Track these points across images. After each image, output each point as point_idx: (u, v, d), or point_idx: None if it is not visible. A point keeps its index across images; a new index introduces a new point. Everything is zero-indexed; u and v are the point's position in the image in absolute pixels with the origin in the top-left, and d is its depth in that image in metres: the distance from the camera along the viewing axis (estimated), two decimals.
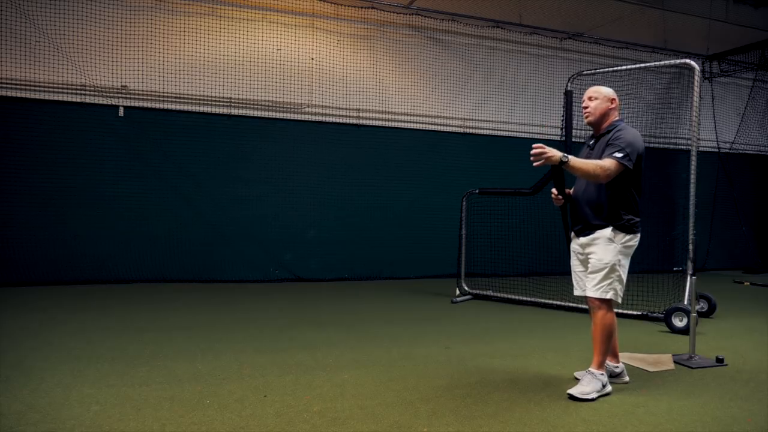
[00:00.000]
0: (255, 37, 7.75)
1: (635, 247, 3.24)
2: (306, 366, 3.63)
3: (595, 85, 3.42)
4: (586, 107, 3.33)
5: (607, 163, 3.05)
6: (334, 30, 8.15)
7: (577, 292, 3.45)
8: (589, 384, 3.13)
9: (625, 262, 3.21)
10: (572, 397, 3.07)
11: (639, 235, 3.24)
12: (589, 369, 3.20)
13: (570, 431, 2.64)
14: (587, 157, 3.27)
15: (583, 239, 3.29)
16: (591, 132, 3.43)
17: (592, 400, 3.06)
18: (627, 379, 3.42)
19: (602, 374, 3.18)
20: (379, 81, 8.36)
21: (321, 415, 2.76)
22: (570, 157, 3.02)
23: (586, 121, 3.37)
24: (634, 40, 9.72)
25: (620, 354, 3.63)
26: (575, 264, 3.42)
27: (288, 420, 2.70)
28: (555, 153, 2.97)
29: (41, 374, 3.31)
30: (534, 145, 2.96)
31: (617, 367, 3.41)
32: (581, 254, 3.34)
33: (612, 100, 3.32)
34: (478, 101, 8.90)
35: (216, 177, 7.58)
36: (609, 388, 3.20)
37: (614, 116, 3.32)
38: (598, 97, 3.31)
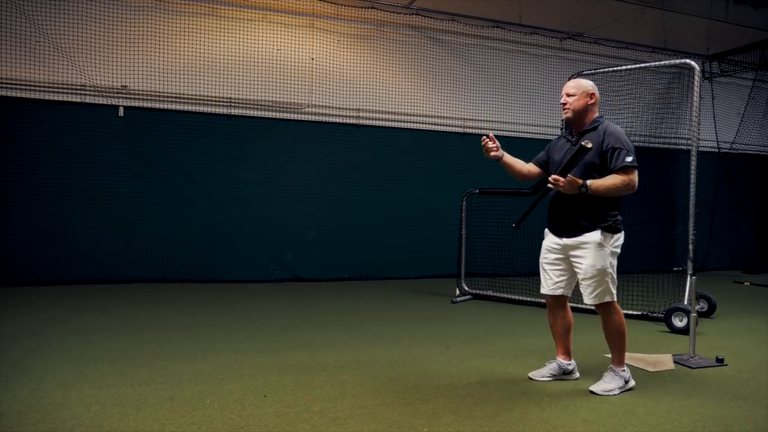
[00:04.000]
0: (255, 37, 7.75)
1: (621, 244, 3.21)
2: (306, 366, 3.63)
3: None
4: (564, 103, 3.24)
5: (628, 175, 3.02)
6: (334, 30, 8.15)
7: (544, 291, 3.37)
8: (611, 381, 3.19)
9: (615, 262, 3.18)
10: (594, 394, 3.13)
11: (623, 232, 3.20)
12: (610, 366, 3.25)
13: (570, 431, 2.64)
14: (570, 154, 3.13)
15: (567, 240, 3.20)
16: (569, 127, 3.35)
17: (614, 396, 3.12)
18: (577, 375, 3.43)
19: (623, 370, 3.22)
20: (379, 81, 8.36)
21: (321, 415, 2.76)
22: (589, 182, 3.00)
23: (564, 116, 3.29)
24: (634, 40, 9.72)
25: None
26: (549, 262, 3.32)
27: (288, 420, 2.70)
28: (571, 185, 2.97)
29: (41, 374, 3.31)
30: (551, 177, 3.04)
31: (569, 364, 3.42)
32: (560, 253, 3.26)
33: (591, 95, 3.22)
34: (478, 101, 8.90)
35: (216, 177, 7.58)
36: (632, 383, 3.24)
37: (595, 112, 3.24)
38: (576, 93, 3.21)
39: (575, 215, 3.15)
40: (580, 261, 3.16)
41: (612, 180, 3.03)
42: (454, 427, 2.66)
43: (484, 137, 3.24)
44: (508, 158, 3.34)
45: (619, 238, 3.17)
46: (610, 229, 3.12)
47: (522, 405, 2.97)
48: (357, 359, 3.83)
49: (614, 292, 3.17)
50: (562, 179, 3.01)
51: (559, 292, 3.33)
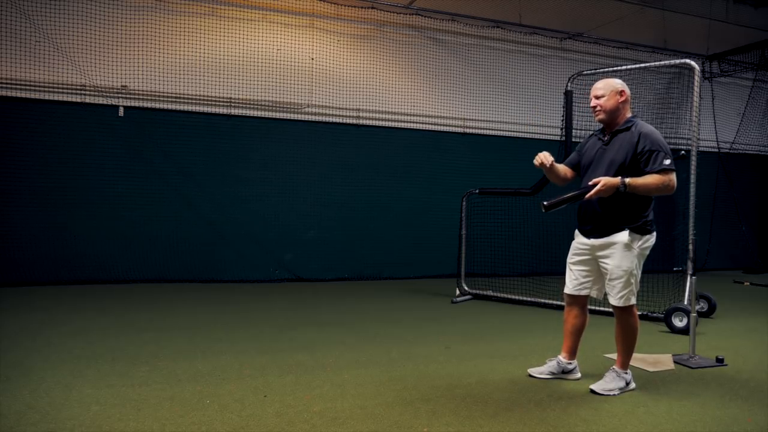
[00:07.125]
0: (255, 37, 7.75)
1: (652, 246, 3.16)
2: (306, 366, 3.63)
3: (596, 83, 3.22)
4: (594, 106, 3.16)
5: (668, 176, 2.95)
6: (334, 30, 8.15)
7: (568, 290, 3.36)
8: (611, 381, 3.18)
9: (641, 264, 3.15)
10: (594, 393, 3.13)
11: (655, 233, 3.15)
12: (613, 367, 3.24)
13: (570, 431, 2.64)
14: (601, 154, 3.14)
15: (594, 241, 3.17)
16: (600, 127, 3.29)
17: (614, 396, 3.12)
18: (578, 375, 3.42)
19: (626, 373, 3.22)
20: (379, 81, 8.36)
21: (321, 415, 2.76)
22: (627, 180, 2.93)
23: (597, 119, 3.20)
24: (634, 40, 9.72)
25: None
26: (575, 262, 3.31)
27: (288, 420, 2.70)
28: (609, 184, 2.92)
29: (41, 374, 3.31)
30: (589, 195, 2.97)
31: (570, 363, 3.42)
32: (587, 254, 3.24)
33: (621, 93, 3.15)
34: (478, 101, 8.90)
35: (216, 177, 7.58)
36: (633, 385, 3.24)
37: (627, 110, 3.17)
38: (605, 93, 3.14)
39: (604, 215, 3.11)
40: (606, 261, 3.13)
41: (650, 178, 2.96)
42: (454, 427, 2.66)
43: (545, 160, 3.12)
44: (555, 165, 3.24)
45: (649, 239, 3.11)
46: (639, 230, 3.07)
47: (522, 405, 2.97)
48: (357, 359, 3.83)
49: (636, 294, 3.15)
50: (597, 182, 2.94)
51: (584, 292, 3.30)
